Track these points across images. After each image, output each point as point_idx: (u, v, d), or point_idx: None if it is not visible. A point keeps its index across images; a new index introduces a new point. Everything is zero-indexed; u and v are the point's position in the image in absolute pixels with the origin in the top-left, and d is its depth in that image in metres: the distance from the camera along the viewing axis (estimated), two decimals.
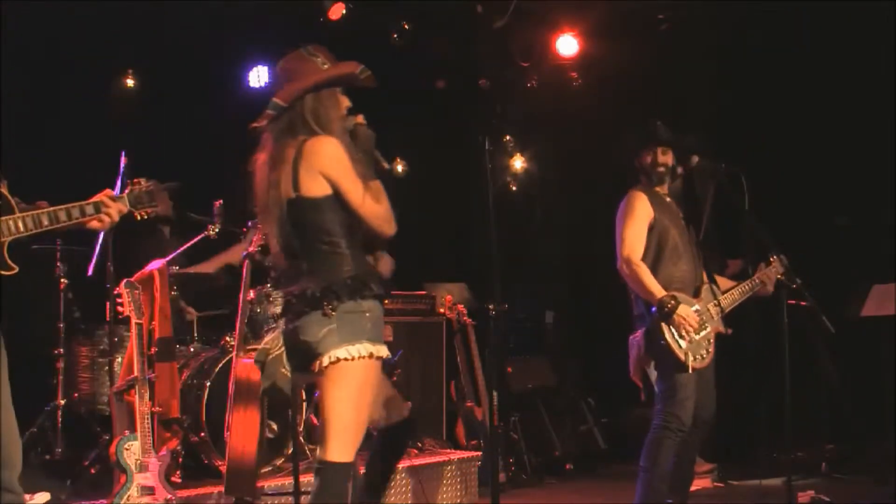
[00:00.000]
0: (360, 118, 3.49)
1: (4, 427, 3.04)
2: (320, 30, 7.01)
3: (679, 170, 4.65)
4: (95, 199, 3.19)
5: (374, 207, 3.34)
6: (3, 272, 3.00)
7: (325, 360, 3.25)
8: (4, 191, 3.03)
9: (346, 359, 3.24)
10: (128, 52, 6.82)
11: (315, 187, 3.30)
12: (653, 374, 4.50)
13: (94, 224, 3.19)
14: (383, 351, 3.33)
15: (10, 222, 2.99)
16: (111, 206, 3.20)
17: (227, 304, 5.56)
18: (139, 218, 3.36)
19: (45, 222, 3.05)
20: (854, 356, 6.86)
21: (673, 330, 4.37)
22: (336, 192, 3.31)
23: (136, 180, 3.37)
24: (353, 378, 3.27)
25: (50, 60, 6.23)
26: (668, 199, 4.64)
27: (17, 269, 3.03)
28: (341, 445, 3.28)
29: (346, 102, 3.47)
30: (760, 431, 7.19)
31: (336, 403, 3.28)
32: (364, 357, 3.26)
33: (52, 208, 3.08)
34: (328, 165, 3.29)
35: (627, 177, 4.70)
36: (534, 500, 6.37)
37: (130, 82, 6.97)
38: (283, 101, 3.37)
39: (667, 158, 4.62)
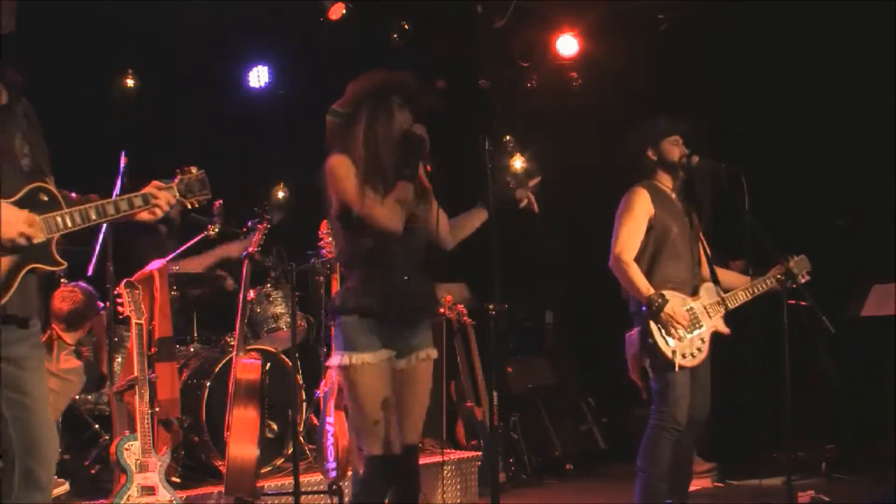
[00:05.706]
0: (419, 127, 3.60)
1: (44, 425, 2.94)
2: (320, 30, 7.02)
3: (680, 173, 4.63)
4: (144, 191, 3.12)
5: (375, 208, 3.42)
6: (52, 268, 2.96)
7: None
8: (51, 187, 2.98)
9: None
10: (128, 52, 6.82)
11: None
12: (649, 373, 4.49)
13: (146, 216, 3.12)
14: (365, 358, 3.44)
15: (58, 218, 2.93)
16: (160, 196, 3.12)
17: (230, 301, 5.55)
18: (190, 207, 3.28)
19: (94, 216, 2.99)
20: (854, 356, 6.85)
21: (661, 328, 4.36)
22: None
23: (185, 168, 3.27)
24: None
25: (50, 60, 6.22)
26: (672, 196, 4.61)
27: (65, 265, 3.00)
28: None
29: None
30: (760, 431, 7.18)
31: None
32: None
33: (99, 202, 3.01)
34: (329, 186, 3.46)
35: (630, 173, 4.67)
36: (534, 500, 6.37)
37: (130, 82, 6.98)
38: (341, 107, 3.47)
39: (676, 150, 4.60)
